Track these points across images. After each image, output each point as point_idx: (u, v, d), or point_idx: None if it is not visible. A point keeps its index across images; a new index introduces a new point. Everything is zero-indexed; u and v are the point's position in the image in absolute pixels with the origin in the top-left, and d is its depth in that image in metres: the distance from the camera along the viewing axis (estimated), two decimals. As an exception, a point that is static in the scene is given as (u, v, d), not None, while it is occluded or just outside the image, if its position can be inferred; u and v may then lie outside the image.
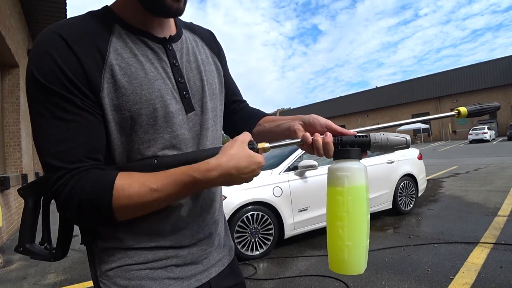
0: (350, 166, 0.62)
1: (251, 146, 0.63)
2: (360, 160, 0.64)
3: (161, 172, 0.58)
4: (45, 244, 0.69)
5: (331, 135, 0.64)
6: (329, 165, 0.65)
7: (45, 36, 0.57)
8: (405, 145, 0.67)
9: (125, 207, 0.56)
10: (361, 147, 0.64)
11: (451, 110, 0.75)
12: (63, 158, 0.55)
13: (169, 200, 0.59)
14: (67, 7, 6.68)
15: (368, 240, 0.63)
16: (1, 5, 4.92)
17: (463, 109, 0.73)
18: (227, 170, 0.57)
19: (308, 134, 0.66)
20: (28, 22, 7.07)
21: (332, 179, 0.63)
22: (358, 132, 0.67)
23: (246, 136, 0.63)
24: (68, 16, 6.97)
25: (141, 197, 0.56)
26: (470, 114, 0.74)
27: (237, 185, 0.62)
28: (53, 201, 0.63)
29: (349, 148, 0.63)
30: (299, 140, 0.67)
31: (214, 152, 0.62)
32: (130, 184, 0.56)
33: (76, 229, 0.70)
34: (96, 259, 0.67)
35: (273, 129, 0.77)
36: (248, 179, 0.61)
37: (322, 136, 0.65)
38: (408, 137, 0.67)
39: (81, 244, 0.68)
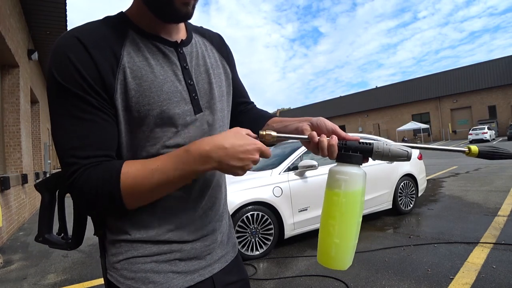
0: (350, 170, 0.64)
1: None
2: (361, 166, 0.65)
3: (164, 155, 0.62)
4: (62, 234, 0.74)
5: (336, 138, 0.66)
6: (331, 166, 0.67)
7: (64, 40, 0.61)
8: (406, 158, 0.67)
9: (132, 191, 0.59)
10: (363, 154, 0.66)
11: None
12: (77, 154, 0.59)
13: (171, 180, 0.60)
14: (67, 7, 6.68)
15: (356, 241, 0.66)
16: (1, 5, 4.92)
17: (474, 148, 0.71)
18: (220, 144, 0.59)
19: (315, 133, 0.67)
20: (28, 22, 7.07)
21: (331, 180, 0.65)
22: (361, 138, 0.69)
23: (243, 128, 0.65)
24: (68, 17, 6.97)
25: (145, 179, 0.58)
26: (481, 155, 0.71)
27: (236, 172, 0.61)
28: (67, 194, 0.68)
29: (352, 153, 0.65)
30: (305, 137, 0.68)
31: None
32: (134, 169, 0.59)
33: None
34: (105, 251, 0.71)
35: (281, 129, 0.79)
36: (244, 160, 0.60)
37: (328, 138, 0.66)
38: (410, 150, 0.67)
39: (93, 235, 0.72)
